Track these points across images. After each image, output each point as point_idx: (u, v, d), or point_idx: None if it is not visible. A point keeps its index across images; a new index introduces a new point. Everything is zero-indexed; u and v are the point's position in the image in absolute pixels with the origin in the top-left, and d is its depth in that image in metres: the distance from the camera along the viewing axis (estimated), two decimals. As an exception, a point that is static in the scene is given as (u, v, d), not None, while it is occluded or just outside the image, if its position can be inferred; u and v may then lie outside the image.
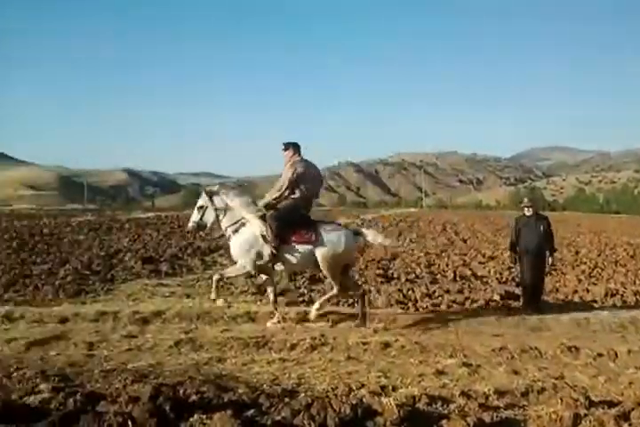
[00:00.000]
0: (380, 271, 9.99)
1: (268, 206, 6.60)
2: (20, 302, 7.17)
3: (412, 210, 61.49)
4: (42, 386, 3.77)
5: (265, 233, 6.38)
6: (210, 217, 6.81)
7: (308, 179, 6.55)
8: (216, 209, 6.78)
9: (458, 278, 9.53)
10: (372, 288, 8.21)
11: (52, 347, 5.10)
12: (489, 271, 10.45)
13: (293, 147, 6.68)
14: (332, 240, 6.37)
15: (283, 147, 6.71)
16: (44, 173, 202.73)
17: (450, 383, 4.17)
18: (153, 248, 13.59)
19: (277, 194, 6.56)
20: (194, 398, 3.55)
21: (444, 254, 13.02)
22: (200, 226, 6.91)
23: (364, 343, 5.29)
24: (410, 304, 7.32)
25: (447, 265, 11.12)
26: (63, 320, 6.09)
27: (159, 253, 12.42)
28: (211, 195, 6.84)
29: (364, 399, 3.57)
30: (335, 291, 6.56)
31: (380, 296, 7.63)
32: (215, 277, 6.55)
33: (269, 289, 6.76)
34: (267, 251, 6.39)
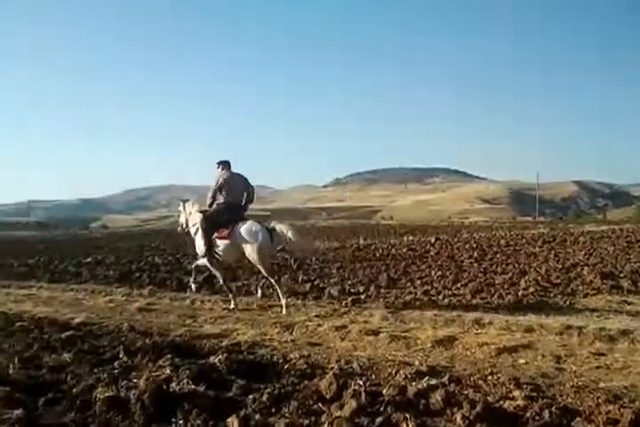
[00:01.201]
0: None
1: (201, 211, 8.37)
2: (486, 309, 7.68)
3: None
4: (515, 393, 3.94)
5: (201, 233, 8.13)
6: (182, 220, 8.97)
7: (231, 188, 8.14)
8: (183, 214, 8.92)
9: None
10: None
11: (521, 355, 5.25)
12: None
13: (222, 164, 8.35)
14: (242, 235, 7.64)
15: (216, 166, 8.39)
16: (495, 187, 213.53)
17: None
18: (611, 263, 12.74)
19: (209, 201, 8.27)
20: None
21: None
22: (182, 227, 9.02)
23: None
24: None
25: None
26: (529, 330, 6.22)
27: (618, 269, 11.55)
28: (184, 202, 9.06)
29: None
30: (273, 282, 7.73)
31: None
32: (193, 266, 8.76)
33: (218, 274, 8.29)
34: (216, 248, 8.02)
